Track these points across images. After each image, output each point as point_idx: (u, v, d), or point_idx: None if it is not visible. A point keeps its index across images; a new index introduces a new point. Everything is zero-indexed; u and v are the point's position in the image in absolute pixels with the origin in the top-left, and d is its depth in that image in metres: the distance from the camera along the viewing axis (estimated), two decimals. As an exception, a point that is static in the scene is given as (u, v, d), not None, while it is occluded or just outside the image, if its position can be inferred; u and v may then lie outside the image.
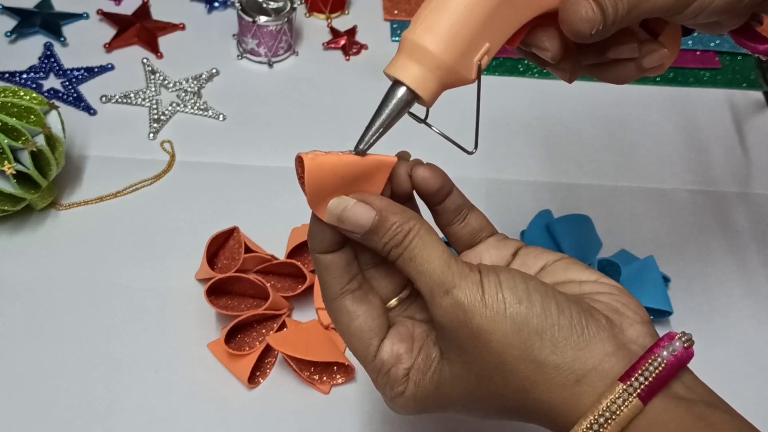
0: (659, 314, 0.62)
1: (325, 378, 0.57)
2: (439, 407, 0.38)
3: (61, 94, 0.74)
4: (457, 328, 0.34)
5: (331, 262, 0.38)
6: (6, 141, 0.58)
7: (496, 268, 0.36)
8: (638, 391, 0.32)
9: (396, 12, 0.85)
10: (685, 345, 0.34)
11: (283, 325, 0.59)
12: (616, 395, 0.32)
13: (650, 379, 0.32)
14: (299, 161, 0.35)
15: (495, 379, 0.35)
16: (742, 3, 0.37)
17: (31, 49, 0.78)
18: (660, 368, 0.33)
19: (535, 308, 0.34)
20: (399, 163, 0.39)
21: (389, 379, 0.38)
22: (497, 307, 0.34)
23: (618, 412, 0.32)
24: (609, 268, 0.61)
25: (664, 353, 0.33)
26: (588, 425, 0.32)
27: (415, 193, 0.40)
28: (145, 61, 0.78)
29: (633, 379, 0.32)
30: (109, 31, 0.80)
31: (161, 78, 0.76)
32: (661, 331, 0.64)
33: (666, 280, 0.64)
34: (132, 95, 0.75)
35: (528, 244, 0.64)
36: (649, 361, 0.33)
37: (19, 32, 0.79)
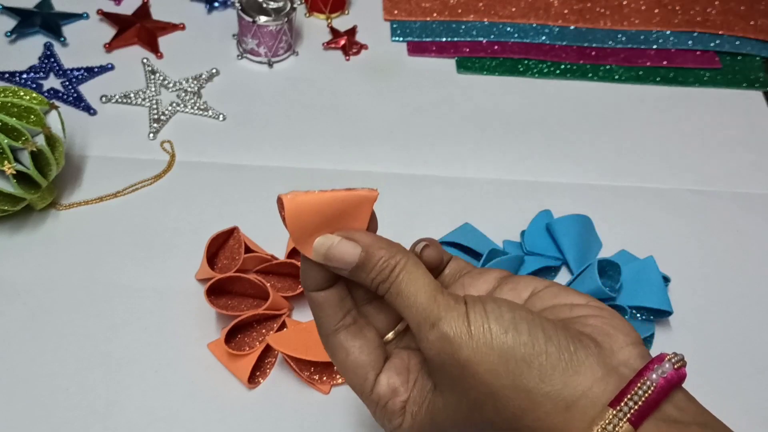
0: (659, 314, 0.62)
1: (325, 378, 0.57)
2: None
3: (61, 94, 0.74)
4: (445, 360, 0.35)
5: (324, 300, 0.38)
6: (6, 141, 0.58)
7: (483, 298, 0.36)
8: (628, 415, 0.32)
9: (396, 12, 0.85)
10: (676, 366, 0.33)
11: (283, 325, 0.59)
12: (607, 421, 0.32)
13: (640, 402, 0.32)
14: (280, 203, 0.35)
15: (486, 408, 0.35)
16: None
17: (31, 49, 0.78)
18: (650, 391, 0.32)
19: (521, 337, 0.34)
20: (426, 249, 0.40)
21: (386, 413, 0.38)
22: (483, 338, 0.34)
23: None
24: (609, 268, 0.61)
25: (654, 376, 0.33)
26: None
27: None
28: (145, 61, 0.78)
29: (623, 403, 0.32)
30: (109, 31, 0.80)
31: (161, 78, 0.76)
32: (661, 332, 0.64)
33: (666, 280, 0.64)
34: (132, 95, 0.75)
35: (529, 245, 0.65)
36: (639, 384, 0.33)
37: (19, 32, 0.79)
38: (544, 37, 0.83)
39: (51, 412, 0.55)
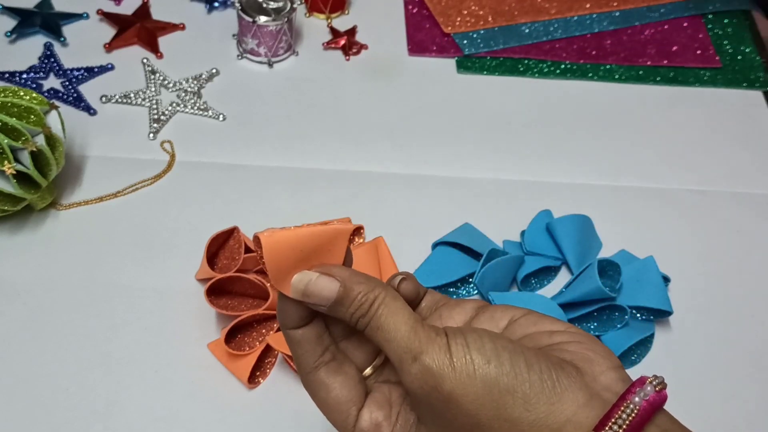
0: (659, 314, 0.62)
1: (325, 378, 0.57)
2: None
3: (61, 94, 0.74)
4: (428, 393, 0.34)
5: (302, 337, 0.38)
6: (6, 141, 0.58)
7: (463, 329, 0.36)
8: None
9: (458, 23, 0.84)
10: (657, 389, 0.33)
11: (283, 325, 0.59)
12: None
13: (624, 426, 0.32)
14: (257, 241, 0.35)
15: None
16: None
17: (31, 49, 0.78)
18: (633, 414, 0.33)
19: (504, 367, 0.34)
20: (402, 282, 0.40)
21: None
22: (466, 370, 0.34)
23: None
24: (609, 268, 0.61)
25: (636, 399, 0.33)
26: None
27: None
28: (145, 61, 0.78)
29: (607, 428, 0.32)
30: (109, 31, 0.80)
31: (161, 78, 0.76)
32: (661, 332, 0.64)
33: (666, 280, 0.64)
34: (132, 95, 0.75)
35: (529, 245, 0.65)
36: (622, 408, 0.33)
37: (19, 32, 0.79)
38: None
39: (51, 412, 0.55)
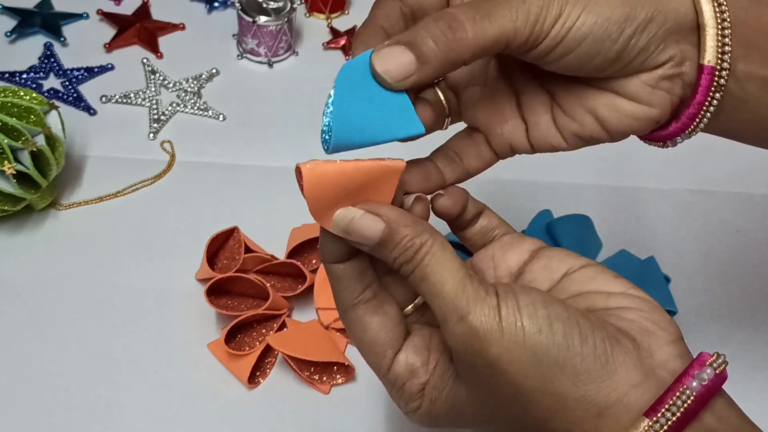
0: (659, 314, 0.62)
1: (325, 378, 0.57)
2: (454, 425, 0.36)
3: (61, 94, 0.74)
4: (472, 356, 0.32)
5: (343, 272, 0.36)
6: (6, 141, 0.58)
7: (515, 289, 0.33)
8: (665, 427, 0.31)
9: None
10: (717, 371, 0.31)
11: (283, 325, 0.59)
12: None
13: (678, 414, 0.30)
14: (298, 173, 0.33)
15: (513, 407, 0.33)
16: (616, 41, 0.34)
17: (31, 49, 0.78)
18: (689, 401, 0.31)
19: (555, 338, 0.31)
20: (416, 203, 0.37)
21: (404, 394, 0.36)
22: (515, 337, 0.31)
23: None
24: (609, 268, 0.61)
25: (694, 384, 0.31)
26: None
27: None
28: (145, 61, 0.78)
29: (659, 414, 0.31)
30: (109, 31, 0.80)
31: (161, 78, 0.76)
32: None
33: (666, 280, 0.64)
34: (132, 95, 0.75)
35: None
36: (677, 394, 0.31)
37: (19, 32, 0.79)
38: None
39: (51, 412, 0.55)
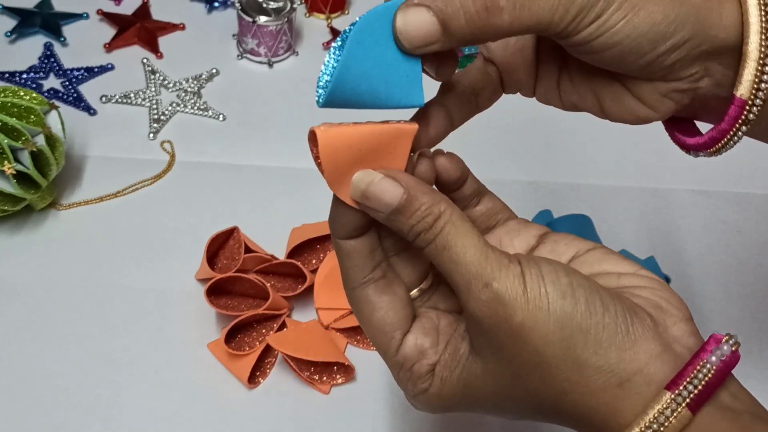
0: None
1: (325, 378, 0.57)
2: (465, 406, 0.36)
3: (61, 94, 0.74)
4: (496, 323, 0.32)
5: (354, 249, 0.35)
6: (6, 141, 0.58)
7: (537, 259, 0.33)
8: (687, 400, 0.30)
9: None
10: (734, 348, 0.31)
11: (283, 325, 0.59)
12: (664, 405, 0.30)
13: (700, 387, 0.30)
14: (312, 136, 0.32)
15: (532, 378, 0.32)
16: (661, 32, 0.33)
17: (31, 49, 0.78)
18: (709, 375, 0.31)
19: (579, 305, 0.31)
20: (421, 160, 0.36)
21: (412, 375, 0.35)
22: (540, 303, 0.31)
23: (666, 424, 0.30)
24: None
25: (713, 358, 0.31)
26: None
27: None
28: (145, 61, 0.78)
29: (681, 387, 0.30)
30: (109, 31, 0.80)
31: (161, 78, 0.76)
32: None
33: (666, 280, 0.64)
34: (132, 95, 0.75)
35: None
36: (698, 367, 0.31)
37: (19, 32, 0.79)
38: None
39: (51, 412, 0.55)
